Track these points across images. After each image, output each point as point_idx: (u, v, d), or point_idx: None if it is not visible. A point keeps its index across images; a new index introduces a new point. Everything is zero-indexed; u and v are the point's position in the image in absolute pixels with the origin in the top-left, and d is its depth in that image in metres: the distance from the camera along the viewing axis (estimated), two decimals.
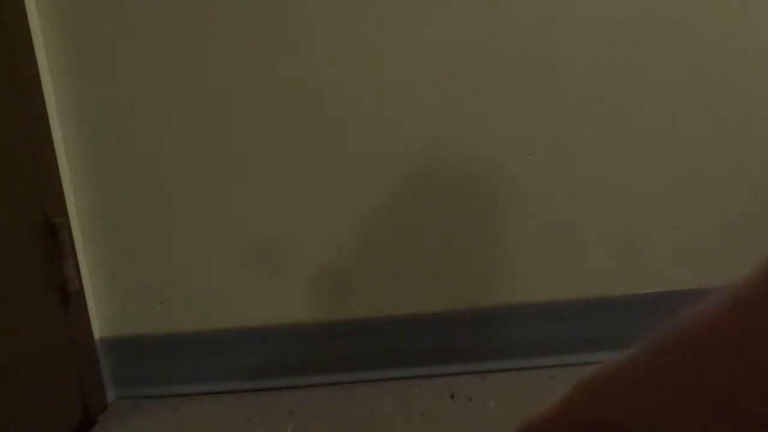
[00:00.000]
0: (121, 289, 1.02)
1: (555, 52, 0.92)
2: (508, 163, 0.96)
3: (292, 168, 0.97)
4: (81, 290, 0.98)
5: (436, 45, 0.92)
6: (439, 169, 0.96)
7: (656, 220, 0.97)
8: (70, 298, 0.94)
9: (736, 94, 0.93)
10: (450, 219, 0.98)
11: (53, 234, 0.91)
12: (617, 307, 0.99)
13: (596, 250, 0.98)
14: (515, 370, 0.99)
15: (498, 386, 0.95)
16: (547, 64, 0.92)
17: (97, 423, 0.97)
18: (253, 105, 0.95)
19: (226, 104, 0.95)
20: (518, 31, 0.91)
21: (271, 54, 0.93)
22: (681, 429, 0.24)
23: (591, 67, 0.92)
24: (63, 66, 0.94)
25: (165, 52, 0.93)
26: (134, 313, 1.02)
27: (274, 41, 0.92)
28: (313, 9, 0.91)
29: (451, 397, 0.94)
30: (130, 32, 0.93)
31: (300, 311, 1.01)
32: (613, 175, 0.96)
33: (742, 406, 0.21)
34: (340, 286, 1.01)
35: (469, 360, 1.00)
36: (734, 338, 0.22)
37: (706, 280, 0.97)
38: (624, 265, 0.98)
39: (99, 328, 1.02)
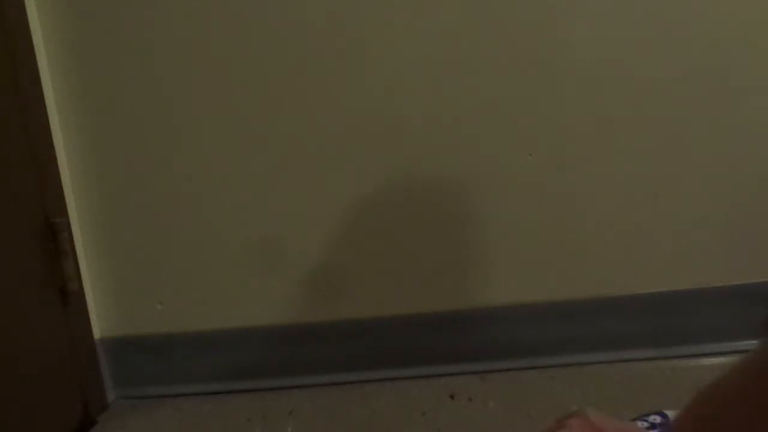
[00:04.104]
0: (121, 289, 1.02)
1: (555, 52, 0.92)
2: (508, 163, 0.96)
3: (292, 168, 0.97)
4: (81, 290, 0.98)
5: (436, 46, 0.92)
6: (439, 170, 0.96)
7: (656, 220, 0.97)
8: (70, 298, 0.94)
9: (737, 94, 0.93)
10: (450, 219, 0.98)
11: (53, 234, 0.91)
12: (617, 307, 0.98)
13: (596, 250, 0.98)
14: (515, 370, 0.99)
15: (498, 386, 0.95)
16: (547, 65, 0.92)
17: (97, 423, 0.97)
18: (253, 106, 0.95)
19: (227, 105, 0.95)
20: (518, 31, 0.91)
21: (271, 57, 0.93)
22: None
23: (591, 67, 0.92)
24: (63, 66, 0.94)
25: (165, 52, 0.93)
26: (134, 313, 1.02)
27: (272, 46, 0.92)
28: (313, 11, 0.91)
29: (451, 397, 0.94)
30: (130, 32, 0.93)
31: (300, 311, 1.01)
32: (613, 175, 0.96)
33: None
34: (340, 286, 1.00)
35: (469, 360, 1.00)
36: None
37: (706, 280, 0.97)
38: (624, 265, 0.98)
39: (99, 328, 1.02)
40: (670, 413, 0.60)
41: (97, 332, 1.02)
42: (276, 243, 0.99)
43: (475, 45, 0.92)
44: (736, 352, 0.97)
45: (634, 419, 0.60)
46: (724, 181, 0.96)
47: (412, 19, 0.91)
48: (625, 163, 0.95)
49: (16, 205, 0.86)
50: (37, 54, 0.91)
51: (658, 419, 0.59)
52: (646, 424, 0.59)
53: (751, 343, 0.97)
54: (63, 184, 0.96)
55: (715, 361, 0.95)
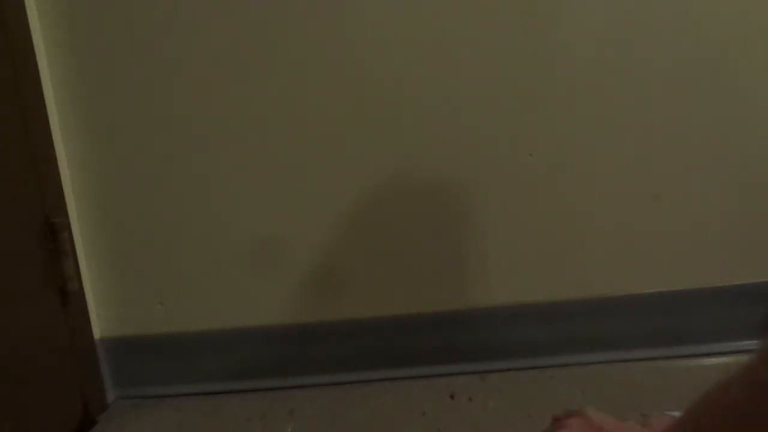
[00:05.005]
0: (121, 289, 1.02)
1: (555, 52, 0.92)
2: (508, 163, 0.96)
3: (293, 168, 0.97)
4: (81, 290, 0.98)
5: (436, 46, 0.92)
6: (439, 169, 0.96)
7: (656, 220, 0.97)
8: (70, 298, 0.94)
9: (737, 93, 0.93)
10: (450, 219, 0.98)
11: (53, 234, 0.91)
12: (617, 307, 0.98)
13: (596, 250, 0.98)
14: (515, 370, 0.99)
15: (498, 386, 0.95)
16: (547, 65, 0.92)
17: (97, 423, 0.97)
18: (252, 106, 0.95)
19: (226, 104, 0.95)
20: (519, 31, 0.91)
21: (271, 57, 0.93)
22: None
23: (591, 67, 0.92)
24: (63, 66, 0.94)
25: (165, 52, 0.93)
26: (134, 313, 1.02)
27: (274, 45, 0.92)
28: (313, 11, 0.91)
29: (451, 397, 0.94)
30: (130, 32, 0.93)
31: (300, 311, 1.01)
32: (613, 175, 0.96)
33: None
34: (340, 286, 1.01)
35: (469, 360, 1.00)
36: None
37: (706, 280, 0.97)
38: (624, 265, 0.98)
39: (99, 328, 1.02)
40: (671, 414, 0.60)
41: (97, 332, 1.02)
42: (276, 243, 0.99)
43: (475, 45, 0.92)
44: (736, 352, 0.97)
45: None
46: (724, 181, 0.96)
47: (412, 19, 0.91)
48: (625, 163, 0.95)
49: (16, 205, 0.86)
50: (37, 54, 0.91)
51: None
52: None
53: (751, 343, 0.97)
54: (63, 184, 0.96)
55: (715, 361, 0.95)
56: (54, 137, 0.94)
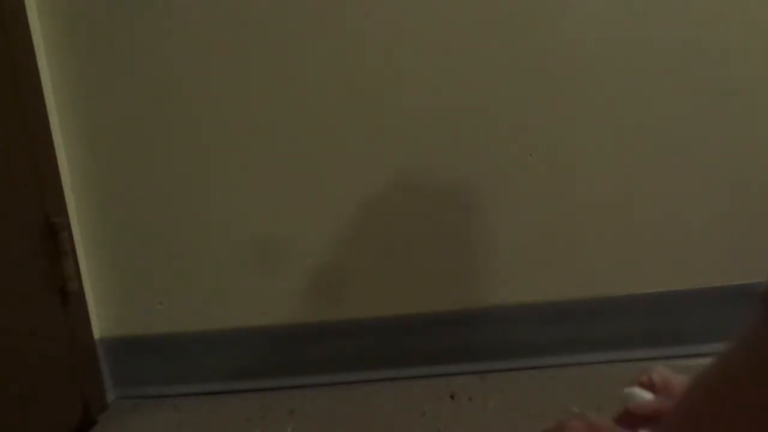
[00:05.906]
0: (121, 289, 1.02)
1: (555, 52, 0.92)
2: (508, 163, 0.96)
3: (293, 168, 0.97)
4: (81, 290, 0.98)
5: (436, 45, 0.92)
6: (439, 169, 0.96)
7: (656, 220, 0.97)
8: (70, 298, 0.94)
9: (737, 94, 0.93)
10: (450, 219, 0.98)
11: (53, 234, 0.91)
12: (617, 307, 0.98)
13: (596, 250, 0.98)
14: (515, 370, 0.99)
15: (498, 386, 0.95)
16: (547, 64, 0.92)
17: (97, 423, 0.97)
18: (252, 106, 0.95)
19: (226, 105, 0.95)
20: (518, 31, 0.91)
21: (270, 56, 0.93)
22: None
23: (591, 66, 0.92)
24: (63, 66, 0.94)
25: (165, 52, 0.93)
26: (134, 313, 1.02)
27: (273, 44, 0.92)
28: (313, 9, 0.91)
29: (451, 397, 0.94)
30: (130, 32, 0.93)
31: (299, 311, 1.01)
32: (613, 175, 0.96)
33: None
34: (340, 286, 1.00)
35: (469, 360, 1.00)
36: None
37: (706, 280, 0.97)
38: (624, 265, 0.98)
39: (99, 328, 1.02)
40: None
41: (97, 332, 1.02)
42: (276, 243, 0.99)
43: (475, 45, 0.92)
44: None
45: None
46: (724, 181, 0.96)
47: (413, 19, 0.91)
48: (625, 163, 0.95)
49: (16, 205, 0.86)
50: (37, 54, 0.91)
51: None
52: None
53: None
54: (63, 184, 0.96)
55: None
56: (54, 137, 0.94)
